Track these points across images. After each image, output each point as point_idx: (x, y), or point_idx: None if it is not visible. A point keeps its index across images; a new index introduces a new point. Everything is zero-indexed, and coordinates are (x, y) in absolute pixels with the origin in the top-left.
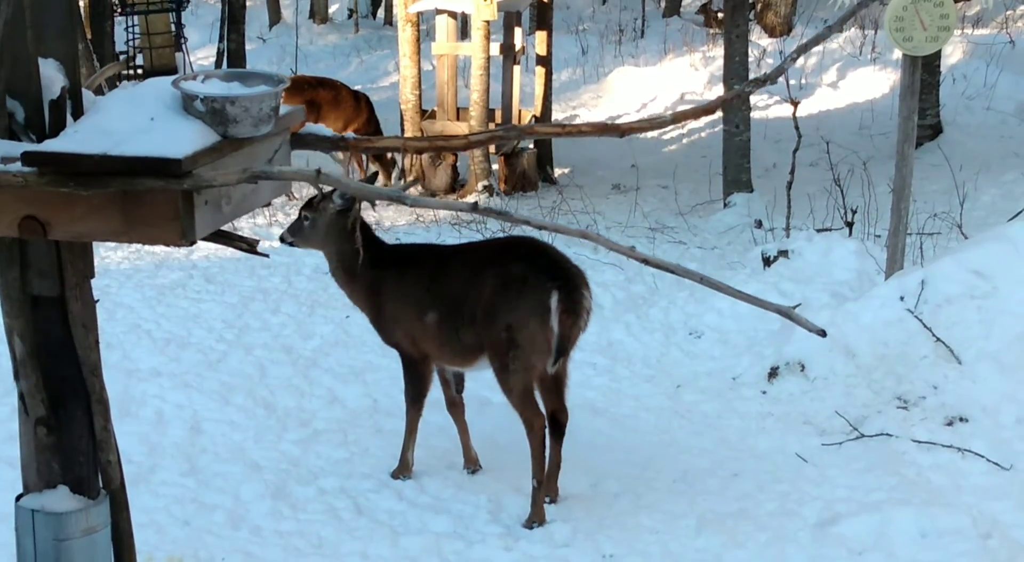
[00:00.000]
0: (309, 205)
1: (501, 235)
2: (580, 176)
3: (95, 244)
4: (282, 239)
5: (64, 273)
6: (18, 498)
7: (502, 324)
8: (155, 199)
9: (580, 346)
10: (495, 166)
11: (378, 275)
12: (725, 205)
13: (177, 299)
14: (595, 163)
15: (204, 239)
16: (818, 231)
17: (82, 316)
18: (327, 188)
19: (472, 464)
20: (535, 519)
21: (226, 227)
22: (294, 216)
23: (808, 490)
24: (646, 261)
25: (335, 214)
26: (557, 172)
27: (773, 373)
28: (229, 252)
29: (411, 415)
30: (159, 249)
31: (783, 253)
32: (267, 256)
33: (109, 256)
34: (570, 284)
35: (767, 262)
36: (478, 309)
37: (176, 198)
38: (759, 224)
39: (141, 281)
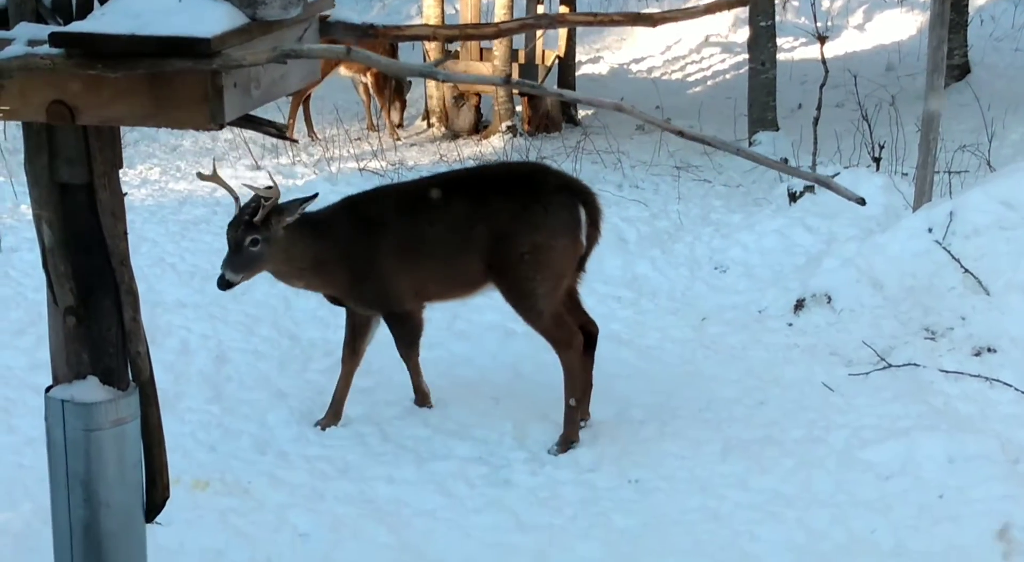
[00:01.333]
0: (250, 226)
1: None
2: (604, 117)
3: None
4: (226, 286)
5: (92, 161)
6: (48, 389)
7: (526, 247)
8: (184, 81)
9: (604, 279)
10: (519, 107)
11: (354, 243)
12: (750, 144)
13: (201, 234)
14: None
15: (232, 124)
16: (845, 167)
17: (111, 205)
18: (264, 195)
19: (422, 402)
20: (571, 439)
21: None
22: (319, 155)
23: (835, 418)
24: (681, 133)
25: (291, 227)
26: (581, 113)
27: (799, 305)
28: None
29: (413, 358)
30: (183, 187)
31: (809, 189)
32: (296, 141)
33: (133, 193)
34: (590, 197)
35: (793, 198)
36: (491, 238)
37: (205, 80)
38: (785, 162)
39: (165, 217)
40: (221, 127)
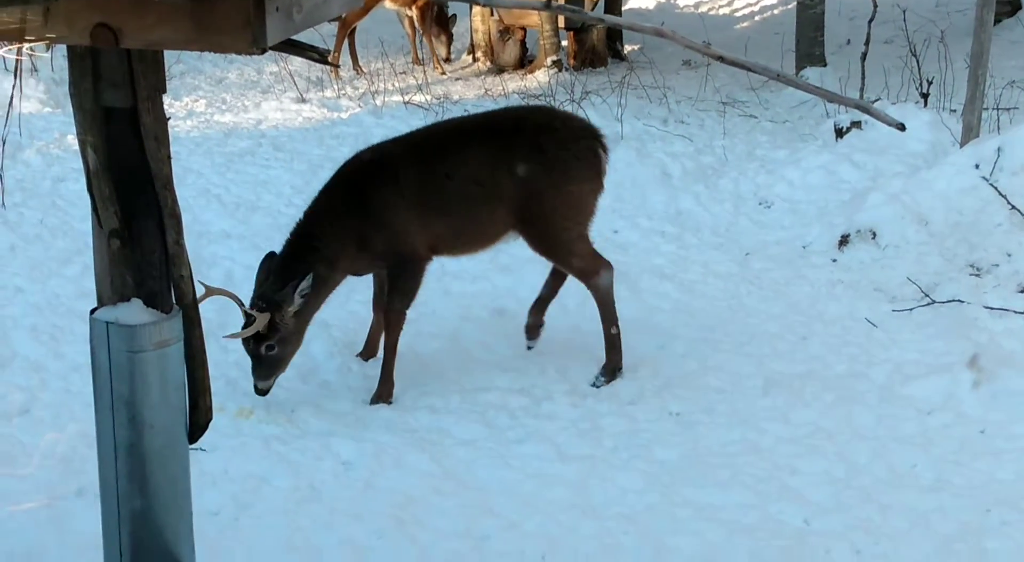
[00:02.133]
0: (259, 337)
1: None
2: (650, 52)
3: (166, 107)
4: (265, 392)
5: (136, 85)
6: (93, 311)
7: (560, 199)
8: (226, 5)
9: (648, 214)
10: (564, 42)
11: (372, 206)
12: None
13: (246, 166)
14: (665, 40)
15: (274, 48)
16: (893, 104)
17: (154, 129)
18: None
19: (368, 355)
20: (616, 366)
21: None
22: (364, 88)
23: (877, 353)
24: (721, 58)
25: (299, 311)
26: (627, 48)
27: (844, 241)
28: (297, 122)
29: (398, 326)
30: (228, 118)
31: (856, 124)
32: (339, 66)
33: (179, 125)
34: (603, 138)
35: (839, 133)
36: (522, 192)
37: (247, 4)
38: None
39: (210, 148)
40: (263, 51)
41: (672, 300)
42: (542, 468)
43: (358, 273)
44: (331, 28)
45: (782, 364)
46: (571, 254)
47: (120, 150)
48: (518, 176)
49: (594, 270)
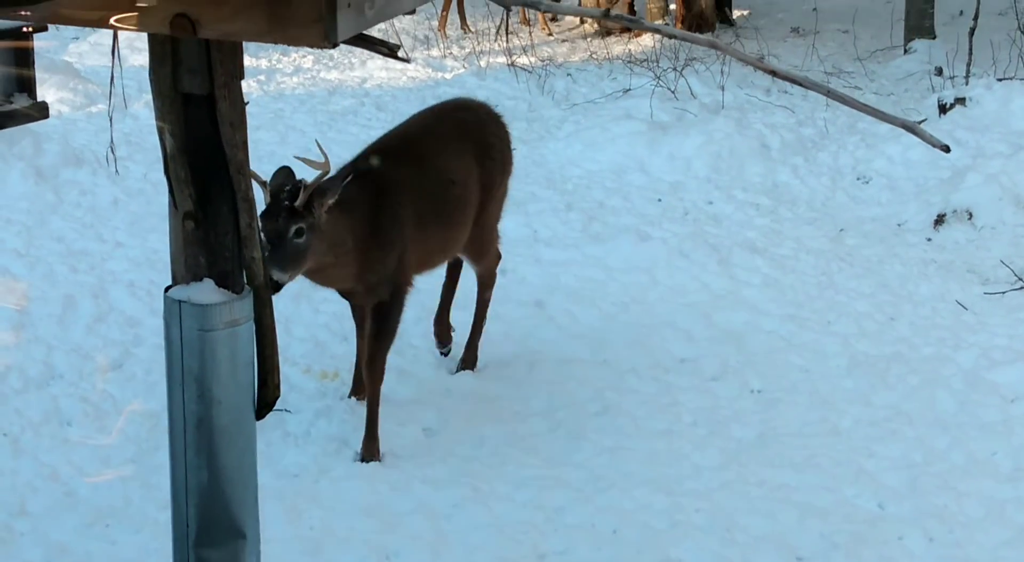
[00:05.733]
0: (293, 214)
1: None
2: (758, 18)
3: (273, 70)
4: (276, 288)
5: (214, 72)
6: (167, 289)
7: (504, 187)
8: (300, 0)
9: (744, 186)
10: (672, 5)
11: (372, 212)
12: (905, 51)
13: (348, 125)
14: (775, 5)
15: (346, 42)
16: (999, 80)
17: (230, 115)
18: (315, 168)
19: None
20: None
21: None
22: (470, 48)
23: (965, 337)
24: (774, 73)
25: (332, 210)
26: (735, 14)
27: (939, 220)
28: (402, 82)
29: (379, 370)
30: (333, 76)
31: (960, 101)
32: (408, 61)
33: (285, 81)
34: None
35: (943, 109)
36: (481, 187)
37: (320, 0)
38: (939, 71)
39: (314, 106)
40: (334, 46)
41: (762, 275)
42: (618, 442)
43: (328, 282)
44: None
45: (868, 344)
46: (493, 245)
47: (196, 135)
48: (481, 175)
49: (497, 260)
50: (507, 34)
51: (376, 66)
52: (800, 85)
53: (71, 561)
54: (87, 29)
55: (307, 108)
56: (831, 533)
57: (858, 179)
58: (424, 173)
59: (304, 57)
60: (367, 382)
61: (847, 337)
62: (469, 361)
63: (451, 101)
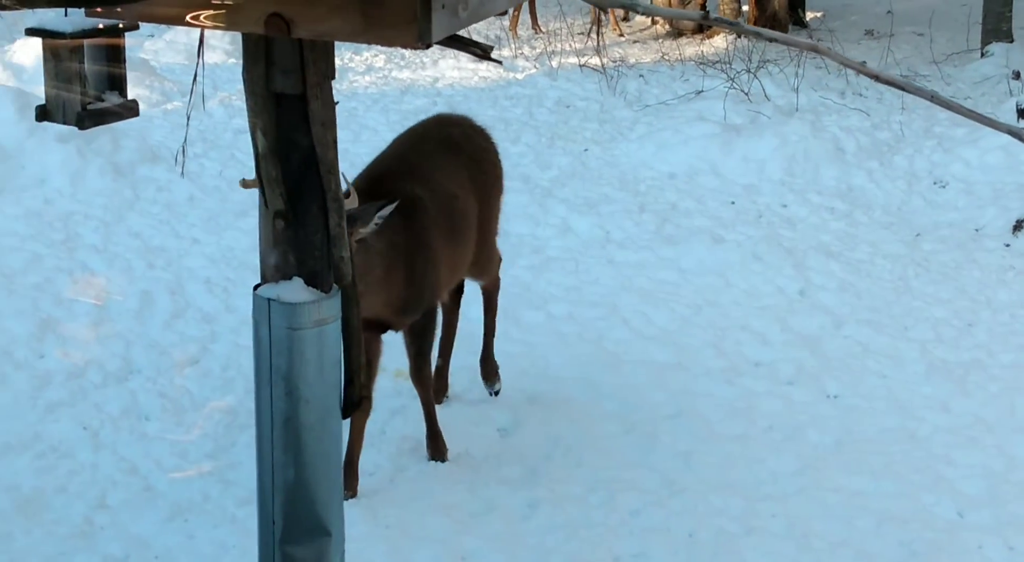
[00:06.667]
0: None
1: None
2: (832, 20)
3: (345, 69)
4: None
5: (306, 72)
6: (256, 287)
7: (500, 197)
8: (394, 1)
9: (819, 189)
10: (745, 7)
11: (400, 237)
12: (982, 54)
13: None
14: (849, 7)
15: (439, 43)
16: None
17: (322, 115)
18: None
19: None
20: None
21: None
22: (541, 48)
23: None
24: (876, 77)
25: (363, 240)
26: (809, 15)
27: (1019, 226)
28: (473, 81)
29: (428, 378)
30: (405, 75)
31: None
32: (500, 62)
33: (357, 80)
34: None
35: (1021, 114)
36: (480, 200)
37: (414, 0)
38: (1016, 75)
39: (387, 106)
40: (428, 46)
41: (837, 279)
42: (693, 445)
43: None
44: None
45: (946, 351)
46: (496, 257)
47: (288, 134)
48: (475, 188)
49: (499, 264)
50: (599, 35)
51: (448, 66)
52: (903, 90)
53: (150, 555)
54: (162, 26)
55: (380, 107)
56: (910, 541)
57: (934, 183)
58: (432, 190)
59: (376, 56)
60: (419, 391)
61: (925, 343)
62: (492, 372)
63: (433, 118)
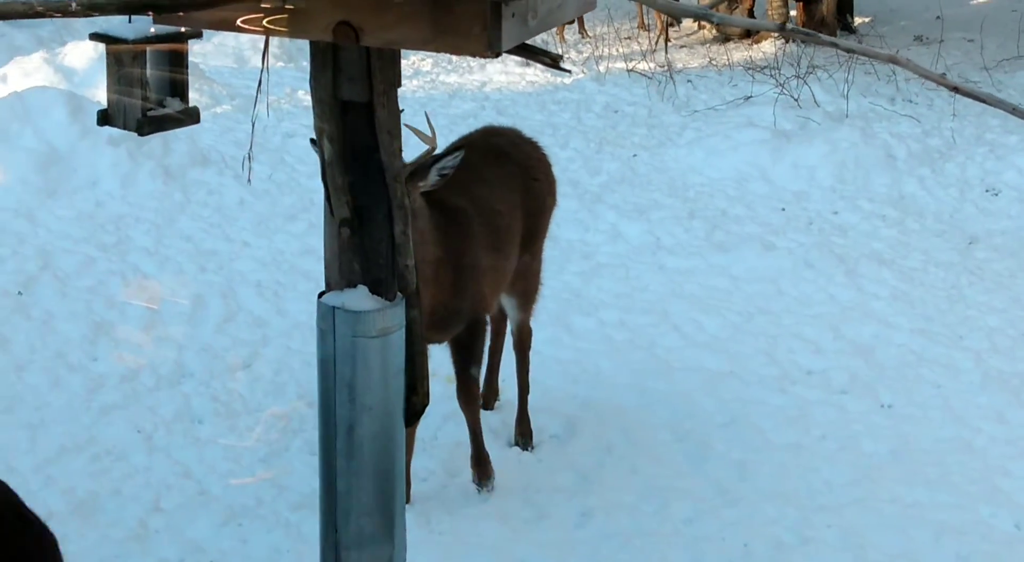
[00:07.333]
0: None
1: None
2: (881, 25)
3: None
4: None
5: (373, 80)
6: (321, 295)
7: (549, 215)
8: (464, 9)
9: (870, 196)
10: (792, 12)
11: (446, 235)
12: None
13: (469, 129)
14: (897, 13)
15: (508, 52)
16: None
17: (388, 123)
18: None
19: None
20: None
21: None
22: (588, 53)
23: None
24: (956, 89)
25: (423, 199)
26: (857, 21)
27: None
28: (521, 86)
29: (475, 399)
30: (453, 79)
31: None
32: (569, 71)
33: (405, 84)
34: None
35: None
36: (528, 215)
37: (484, 9)
38: None
39: (434, 110)
40: (497, 55)
41: (890, 287)
42: (746, 454)
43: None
44: None
45: (1001, 360)
46: (538, 285)
47: (354, 142)
48: (525, 200)
49: (534, 307)
50: (667, 43)
51: (495, 70)
52: (983, 102)
53: (205, 559)
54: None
55: (428, 111)
56: (968, 553)
57: (987, 191)
58: (475, 202)
59: (423, 60)
60: (465, 413)
61: (979, 352)
62: (526, 433)
63: (479, 129)
